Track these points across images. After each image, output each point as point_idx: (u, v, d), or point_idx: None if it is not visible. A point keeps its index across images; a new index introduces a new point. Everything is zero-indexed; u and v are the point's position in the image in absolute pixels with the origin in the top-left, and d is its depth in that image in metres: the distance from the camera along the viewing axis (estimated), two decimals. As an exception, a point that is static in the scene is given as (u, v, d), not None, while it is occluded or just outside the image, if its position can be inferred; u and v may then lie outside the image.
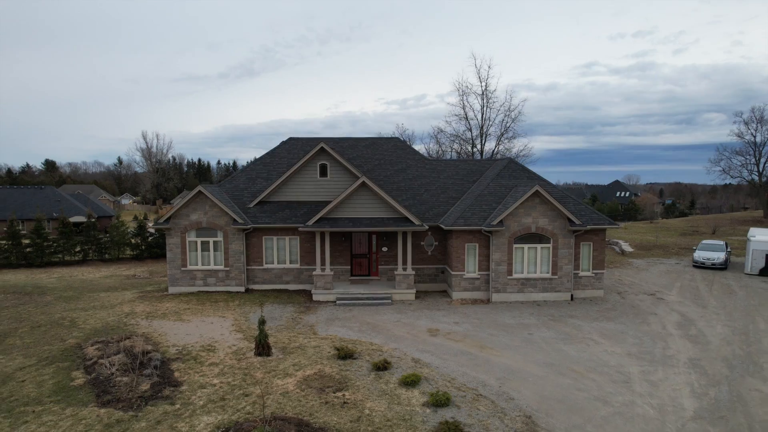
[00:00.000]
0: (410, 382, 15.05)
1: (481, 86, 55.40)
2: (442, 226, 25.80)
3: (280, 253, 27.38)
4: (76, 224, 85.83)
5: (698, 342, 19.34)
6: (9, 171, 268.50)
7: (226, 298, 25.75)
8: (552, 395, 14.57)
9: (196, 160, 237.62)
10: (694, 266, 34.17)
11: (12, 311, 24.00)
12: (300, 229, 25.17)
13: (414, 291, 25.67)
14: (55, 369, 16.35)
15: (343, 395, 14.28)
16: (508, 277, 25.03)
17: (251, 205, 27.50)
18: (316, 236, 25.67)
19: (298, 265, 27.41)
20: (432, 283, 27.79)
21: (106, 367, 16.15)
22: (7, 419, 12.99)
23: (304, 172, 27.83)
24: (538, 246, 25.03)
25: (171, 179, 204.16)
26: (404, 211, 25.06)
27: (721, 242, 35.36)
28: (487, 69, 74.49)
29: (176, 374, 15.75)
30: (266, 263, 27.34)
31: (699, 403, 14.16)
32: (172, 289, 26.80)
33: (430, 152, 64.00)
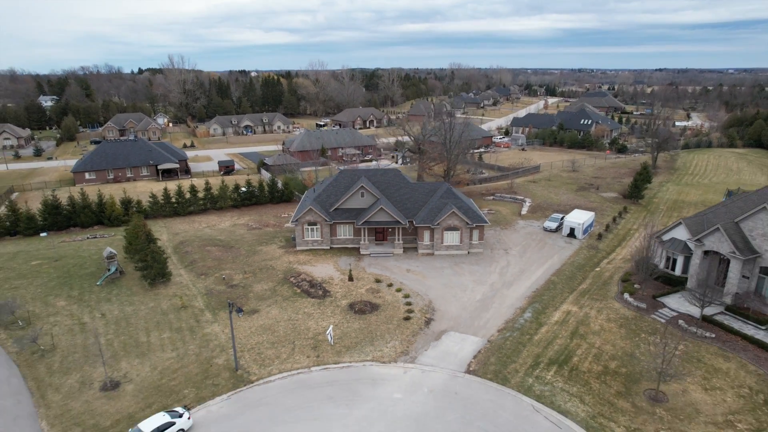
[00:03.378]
0: (399, 290, 50.34)
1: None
2: (414, 223, 59.71)
3: (344, 231, 61.59)
4: (166, 171, 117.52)
5: (502, 275, 54.32)
6: (39, 84, 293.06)
7: (323, 252, 60.49)
8: (439, 295, 49.84)
9: (217, 77, 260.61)
10: (543, 230, 68.23)
11: (240, 261, 58.82)
12: (355, 225, 59.28)
13: (402, 249, 60.36)
14: (286, 287, 51.60)
15: (379, 294, 49.63)
16: (441, 243, 59.52)
17: (331, 210, 61.10)
18: (362, 227, 59.79)
19: (352, 236, 61.79)
20: (410, 244, 62.26)
21: (305, 287, 51.40)
22: (290, 302, 48.39)
23: (354, 195, 61.01)
24: (455, 232, 59.18)
25: (198, 98, 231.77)
26: (398, 218, 58.84)
27: (559, 215, 69.03)
28: None
29: (327, 288, 51.04)
30: (338, 235, 61.70)
31: (482, 296, 49.43)
32: (298, 247, 61.40)
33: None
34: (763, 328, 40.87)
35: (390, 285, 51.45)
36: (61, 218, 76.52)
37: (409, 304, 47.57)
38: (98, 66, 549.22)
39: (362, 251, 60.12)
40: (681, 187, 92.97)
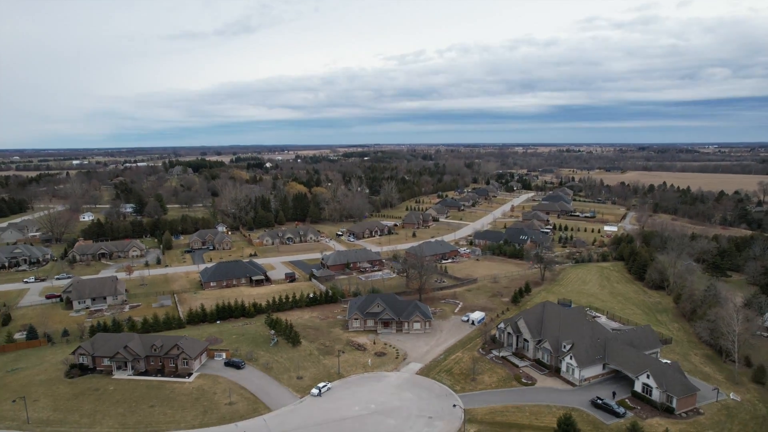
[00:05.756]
0: (393, 347, 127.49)
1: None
2: (401, 318, 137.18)
3: (371, 322, 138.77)
4: (257, 280, 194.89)
5: (437, 341, 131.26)
6: (117, 194, 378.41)
7: (361, 332, 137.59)
8: (409, 349, 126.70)
9: (260, 194, 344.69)
10: (461, 321, 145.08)
11: (324, 336, 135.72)
12: (375, 320, 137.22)
13: (395, 330, 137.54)
14: (348, 347, 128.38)
15: (385, 349, 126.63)
16: (412, 328, 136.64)
17: (364, 312, 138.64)
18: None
19: (373, 325, 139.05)
20: (399, 328, 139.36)
21: (356, 346, 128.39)
22: (351, 353, 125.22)
23: (373, 306, 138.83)
24: (418, 322, 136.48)
25: (248, 212, 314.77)
26: (394, 316, 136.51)
27: (470, 313, 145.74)
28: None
29: (365, 347, 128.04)
30: (367, 324, 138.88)
31: (426, 350, 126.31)
32: (349, 329, 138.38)
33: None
34: (521, 359, 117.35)
35: (390, 345, 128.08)
36: (225, 313, 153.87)
37: (397, 352, 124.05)
38: (139, 166, 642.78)
39: (378, 331, 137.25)
40: (547, 294, 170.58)
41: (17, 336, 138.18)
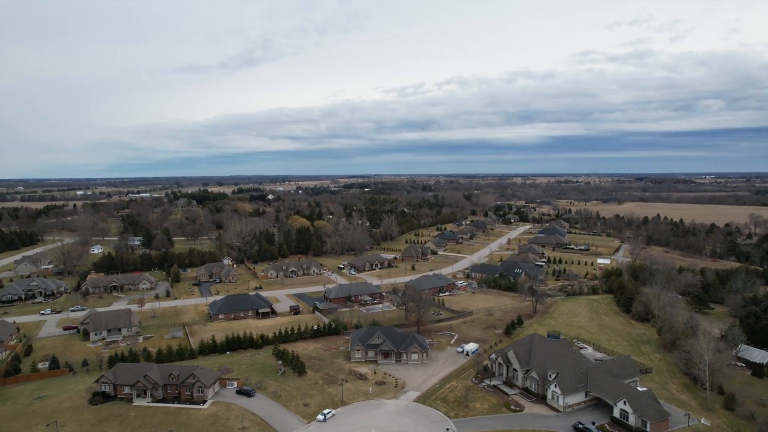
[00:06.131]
0: (392, 377, 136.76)
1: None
2: (399, 349, 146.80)
3: (372, 353, 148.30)
4: (264, 313, 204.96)
5: (433, 371, 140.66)
6: (125, 227, 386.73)
7: (363, 362, 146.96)
8: (407, 378, 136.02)
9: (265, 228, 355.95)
10: (456, 352, 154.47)
11: (328, 366, 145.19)
12: (375, 350, 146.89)
13: (395, 361, 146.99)
14: (351, 376, 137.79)
15: (385, 379, 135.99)
16: (410, 359, 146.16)
17: (365, 344, 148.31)
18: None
19: (374, 355, 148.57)
20: (398, 359, 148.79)
21: (358, 376, 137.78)
22: (354, 381, 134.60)
23: (374, 338, 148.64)
24: (415, 353, 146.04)
25: (253, 246, 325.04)
26: (393, 347, 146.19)
27: (464, 345, 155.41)
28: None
29: (366, 377, 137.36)
30: (368, 355, 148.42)
31: (424, 379, 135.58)
32: (352, 360, 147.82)
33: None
34: (510, 388, 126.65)
35: (390, 375, 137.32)
36: (234, 344, 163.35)
37: (396, 381, 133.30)
38: (139, 190, 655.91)
39: (378, 362, 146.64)
40: (538, 326, 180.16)
41: (40, 366, 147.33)
